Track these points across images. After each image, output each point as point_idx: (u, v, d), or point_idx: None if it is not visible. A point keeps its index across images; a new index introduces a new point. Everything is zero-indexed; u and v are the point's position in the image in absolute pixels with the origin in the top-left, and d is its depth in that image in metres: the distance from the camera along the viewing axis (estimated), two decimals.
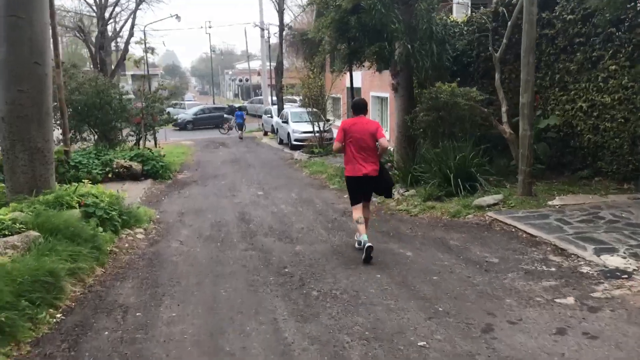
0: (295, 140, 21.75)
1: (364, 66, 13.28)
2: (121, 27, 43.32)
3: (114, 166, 14.15)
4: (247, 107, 44.92)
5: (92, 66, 26.41)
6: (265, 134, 30.44)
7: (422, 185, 10.04)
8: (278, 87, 28.45)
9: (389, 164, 11.84)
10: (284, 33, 28.69)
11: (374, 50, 11.27)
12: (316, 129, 19.91)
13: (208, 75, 63.26)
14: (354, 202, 6.72)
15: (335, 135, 7.90)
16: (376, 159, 6.57)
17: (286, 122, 23.10)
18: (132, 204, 9.35)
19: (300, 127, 21.89)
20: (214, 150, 23.79)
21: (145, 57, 18.42)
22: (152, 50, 18.59)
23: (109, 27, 27.17)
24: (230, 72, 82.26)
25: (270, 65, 37.68)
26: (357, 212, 6.62)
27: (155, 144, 24.78)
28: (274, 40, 37.07)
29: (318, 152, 19.10)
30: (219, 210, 10.10)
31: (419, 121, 10.58)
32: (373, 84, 20.67)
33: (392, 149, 15.20)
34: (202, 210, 10.17)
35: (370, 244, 6.25)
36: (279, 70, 28.23)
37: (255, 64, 62.29)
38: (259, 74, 65.97)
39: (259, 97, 46.60)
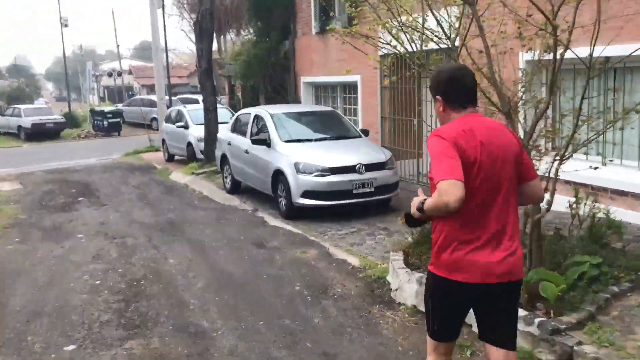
0: (305, 195, 7.53)
1: None
2: None
3: None
4: (125, 112, 29.09)
5: None
6: (171, 159, 15.75)
7: None
8: (205, 61, 13.42)
9: None
10: None
11: None
12: (380, 157, 5.82)
13: (66, 78, 46.77)
14: (442, 336, 2.57)
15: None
16: (518, 227, 2.54)
17: (264, 141, 8.58)
18: None
19: (320, 158, 7.74)
20: (55, 225, 8.67)
21: None
22: None
23: None
24: (93, 71, 64.37)
25: (165, 40, 22.63)
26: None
27: None
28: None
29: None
30: None
31: None
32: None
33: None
34: None
35: None
36: (202, 27, 13.21)
37: (125, 64, 48.52)
38: (130, 73, 51.96)
39: (143, 97, 30.86)
